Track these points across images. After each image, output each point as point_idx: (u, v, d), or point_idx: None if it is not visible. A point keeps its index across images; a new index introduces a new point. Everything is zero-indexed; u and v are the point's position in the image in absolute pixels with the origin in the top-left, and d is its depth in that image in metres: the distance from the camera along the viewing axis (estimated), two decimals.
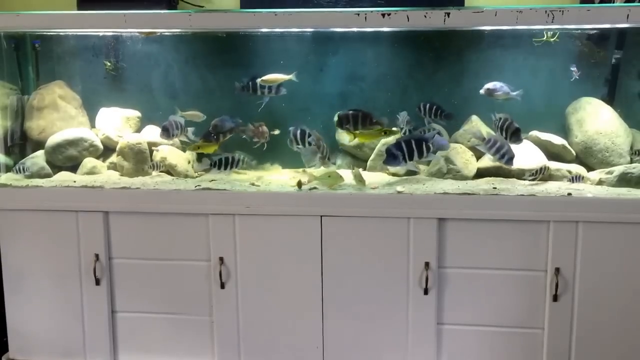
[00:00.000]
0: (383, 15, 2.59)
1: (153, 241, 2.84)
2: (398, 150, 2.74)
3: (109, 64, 3.39)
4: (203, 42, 3.35)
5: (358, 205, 2.72)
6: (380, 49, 3.32)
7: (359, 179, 2.85)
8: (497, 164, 2.91)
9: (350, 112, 2.90)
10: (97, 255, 2.85)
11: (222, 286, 2.81)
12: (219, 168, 2.89)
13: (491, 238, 2.67)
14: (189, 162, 3.20)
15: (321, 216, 2.71)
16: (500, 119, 2.85)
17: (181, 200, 2.80)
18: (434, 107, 2.98)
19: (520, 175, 2.96)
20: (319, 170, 2.93)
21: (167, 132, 3.06)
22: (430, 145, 2.78)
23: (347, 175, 3.01)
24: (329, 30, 3.02)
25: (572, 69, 2.98)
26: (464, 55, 3.24)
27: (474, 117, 3.19)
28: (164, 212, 2.81)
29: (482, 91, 2.93)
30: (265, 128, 3.08)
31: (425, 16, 2.55)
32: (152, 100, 3.40)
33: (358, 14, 2.60)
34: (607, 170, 2.91)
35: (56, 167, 3.14)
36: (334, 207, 2.73)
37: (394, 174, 3.11)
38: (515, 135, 2.83)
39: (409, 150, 2.77)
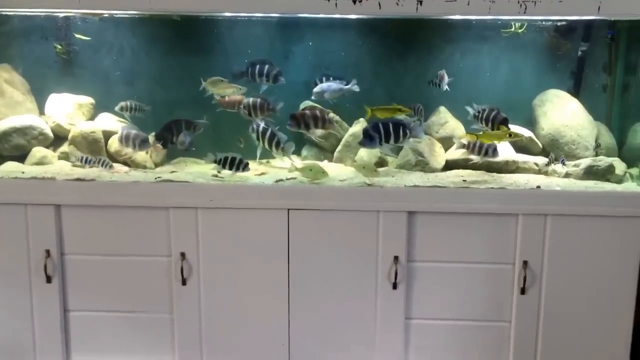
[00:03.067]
0: (354, 1, 2.51)
1: (109, 236, 2.75)
2: (375, 132, 2.72)
3: (59, 47, 3.23)
4: (163, 26, 3.22)
5: (327, 198, 2.68)
6: (349, 37, 3.28)
7: (370, 169, 2.81)
8: (466, 156, 2.96)
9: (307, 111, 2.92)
10: (48, 252, 2.74)
11: (184, 282, 2.74)
12: (224, 166, 2.82)
13: (460, 231, 2.67)
14: (146, 152, 3.07)
15: (288, 209, 2.67)
16: (485, 110, 2.85)
17: (140, 193, 2.72)
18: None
19: (489, 167, 2.96)
20: (302, 163, 2.91)
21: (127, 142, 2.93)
22: (408, 131, 2.77)
23: (337, 169, 2.99)
24: (297, 16, 2.94)
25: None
26: (433, 46, 3.23)
27: (442, 108, 3.18)
28: (122, 205, 2.72)
29: (313, 97, 2.99)
30: (238, 97, 2.99)
31: (397, 4, 2.50)
32: (107, 86, 3.28)
33: (328, 0, 2.50)
34: (573, 162, 2.92)
35: (2, 157, 3.00)
36: (302, 200, 2.68)
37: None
38: (504, 123, 2.82)
39: (386, 133, 2.74)
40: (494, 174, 2.92)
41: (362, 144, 2.80)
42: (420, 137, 2.85)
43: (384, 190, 2.68)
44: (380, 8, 2.56)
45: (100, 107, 3.23)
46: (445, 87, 3.01)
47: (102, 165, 2.87)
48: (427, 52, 3.25)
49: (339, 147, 3.19)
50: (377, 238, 2.69)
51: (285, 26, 3.24)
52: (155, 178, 2.78)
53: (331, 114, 2.99)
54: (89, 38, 3.20)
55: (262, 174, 2.86)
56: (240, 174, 2.82)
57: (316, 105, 2.97)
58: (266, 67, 2.92)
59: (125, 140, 2.93)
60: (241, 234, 2.73)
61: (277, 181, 2.78)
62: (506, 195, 2.65)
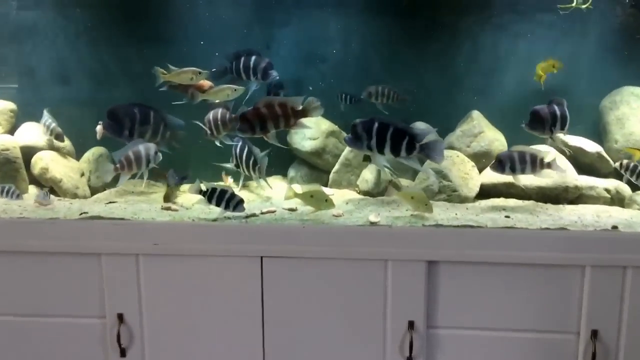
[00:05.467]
0: None
1: (22, 291, 2.45)
2: (364, 131, 2.35)
3: None
4: (103, 8, 2.96)
5: (314, 242, 2.33)
6: (348, 18, 2.97)
7: (422, 202, 2.41)
8: (509, 179, 2.62)
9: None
10: None
11: (123, 353, 2.42)
12: (210, 201, 2.43)
13: (501, 288, 2.33)
14: (82, 175, 2.74)
15: (262, 257, 2.34)
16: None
17: (60, 234, 2.38)
18: (386, 90, 2.77)
19: (541, 195, 2.63)
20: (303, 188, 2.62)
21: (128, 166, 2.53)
22: (417, 144, 2.33)
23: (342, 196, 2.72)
24: None
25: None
26: (457, 25, 2.91)
27: (475, 113, 2.87)
28: (36, 251, 2.39)
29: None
30: (206, 82, 2.71)
31: None
32: (34, 88, 2.98)
33: None
34: None
35: None
36: (280, 244, 2.34)
37: (366, 193, 2.75)
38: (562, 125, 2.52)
39: (380, 138, 2.35)
40: (548, 205, 2.60)
41: (346, 141, 2.46)
42: (436, 160, 2.39)
43: (394, 230, 2.31)
44: None
45: (25, 114, 2.92)
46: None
47: (7, 195, 2.50)
48: (449, 33, 2.92)
49: (336, 166, 2.87)
50: (384, 297, 2.34)
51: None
52: (80, 214, 2.43)
53: (311, 102, 2.52)
54: None
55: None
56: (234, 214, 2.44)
57: (274, 97, 2.59)
58: (252, 59, 2.65)
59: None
60: (197, 290, 2.41)
61: (247, 217, 2.40)
62: (568, 238, 2.26)
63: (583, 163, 2.73)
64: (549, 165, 2.52)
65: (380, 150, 2.40)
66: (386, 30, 2.96)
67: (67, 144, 2.77)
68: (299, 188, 2.63)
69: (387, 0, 2.91)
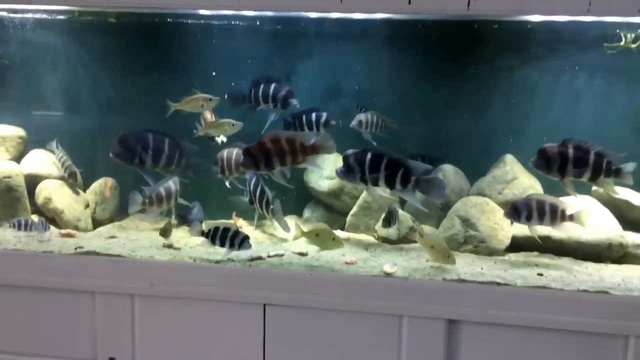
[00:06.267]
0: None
1: (11, 329, 2.35)
2: (356, 163, 2.23)
3: None
4: (120, 32, 2.88)
5: (322, 291, 2.17)
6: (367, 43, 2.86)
7: (443, 253, 2.25)
8: (544, 232, 2.41)
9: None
10: None
11: None
12: (214, 241, 2.29)
13: (529, 356, 2.12)
14: (86, 207, 2.63)
15: (264, 304, 2.20)
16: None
17: (53, 270, 2.28)
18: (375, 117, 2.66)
19: (579, 252, 2.43)
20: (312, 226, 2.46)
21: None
22: (413, 178, 2.20)
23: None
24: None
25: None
26: (481, 63, 2.77)
27: (509, 158, 2.72)
28: (27, 285, 2.28)
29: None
30: (208, 115, 2.62)
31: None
32: (46, 113, 2.94)
33: None
34: None
35: None
36: (283, 291, 2.19)
37: (384, 239, 2.61)
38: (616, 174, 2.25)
39: (373, 169, 2.22)
40: (588, 263, 2.40)
41: (338, 173, 2.35)
42: (438, 198, 2.27)
43: (411, 283, 2.16)
44: (410, 4, 2.12)
45: (33, 141, 2.88)
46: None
47: (26, 229, 2.44)
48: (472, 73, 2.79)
49: (354, 209, 2.75)
50: (398, 357, 2.16)
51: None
52: (75, 248, 2.34)
53: (324, 138, 2.30)
54: None
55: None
56: (236, 253, 2.30)
57: (282, 132, 2.39)
58: (272, 87, 2.50)
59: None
60: (194, 336, 2.28)
61: (251, 260, 2.24)
62: (610, 303, 2.06)
63: (630, 218, 2.54)
64: (571, 218, 2.34)
65: (375, 183, 2.28)
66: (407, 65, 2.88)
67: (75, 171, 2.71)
68: (306, 227, 2.50)
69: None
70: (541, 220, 2.22)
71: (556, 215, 2.21)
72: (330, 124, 2.60)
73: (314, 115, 2.55)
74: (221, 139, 2.59)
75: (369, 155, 2.26)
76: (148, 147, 2.31)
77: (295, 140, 2.17)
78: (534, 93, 2.75)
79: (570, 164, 2.22)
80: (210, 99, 2.49)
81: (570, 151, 2.21)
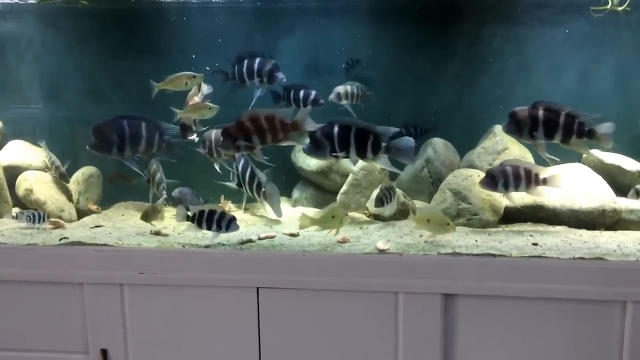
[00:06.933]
0: None
1: (0, 325, 2.33)
2: (325, 137, 2.25)
3: None
4: (94, 15, 2.87)
5: (316, 272, 2.16)
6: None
7: (442, 222, 2.26)
8: (538, 201, 2.41)
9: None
10: None
11: None
12: (200, 225, 2.29)
13: (527, 326, 2.14)
14: (69, 198, 2.61)
15: (258, 287, 2.19)
16: None
17: (38, 262, 2.25)
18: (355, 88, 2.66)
19: (573, 219, 2.43)
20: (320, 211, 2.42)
21: None
22: (383, 145, 2.25)
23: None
24: None
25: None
26: (477, 32, 2.77)
27: (498, 128, 2.74)
28: (13, 279, 2.26)
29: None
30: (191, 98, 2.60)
31: None
32: (21, 102, 2.90)
33: None
34: None
35: None
36: (277, 273, 2.18)
37: (376, 217, 2.62)
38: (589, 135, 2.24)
39: (343, 141, 2.25)
40: (583, 231, 2.40)
41: (306, 151, 2.36)
42: (408, 160, 2.30)
43: (405, 259, 2.14)
44: None
45: (12, 133, 2.84)
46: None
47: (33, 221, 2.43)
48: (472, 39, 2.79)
49: (344, 187, 2.70)
50: (395, 334, 2.16)
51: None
52: (60, 239, 2.29)
53: (303, 115, 2.30)
54: None
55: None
56: (226, 235, 2.28)
57: (260, 110, 2.34)
58: (256, 61, 2.49)
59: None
60: (187, 324, 2.26)
61: (241, 243, 2.23)
62: (606, 269, 2.07)
63: (621, 183, 2.56)
64: (545, 182, 2.36)
65: (344, 152, 2.29)
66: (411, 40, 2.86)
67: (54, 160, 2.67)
68: (310, 212, 2.47)
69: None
70: (517, 186, 2.22)
71: (530, 180, 2.22)
72: (319, 103, 2.60)
73: (302, 92, 2.50)
74: (194, 136, 2.55)
75: (336, 128, 2.27)
76: (124, 134, 2.25)
77: (274, 118, 2.15)
78: (523, 61, 2.76)
79: (540, 126, 2.20)
80: (194, 76, 2.45)
81: (541, 113, 2.19)
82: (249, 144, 2.20)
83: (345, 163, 2.36)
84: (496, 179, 2.26)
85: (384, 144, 2.28)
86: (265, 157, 2.38)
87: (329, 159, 2.35)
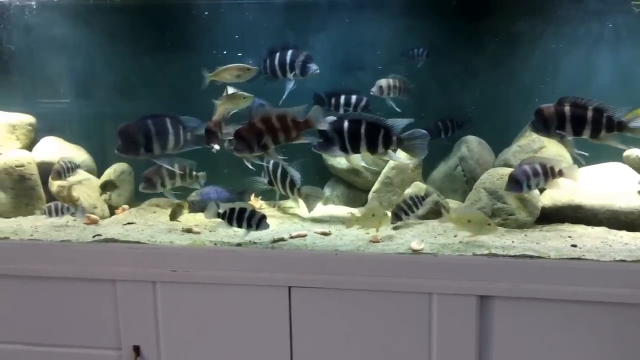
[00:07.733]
0: None
1: (33, 319, 2.34)
2: (336, 133, 2.23)
3: None
4: (127, 12, 2.88)
5: (348, 271, 2.14)
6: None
7: (483, 223, 2.23)
8: (576, 201, 2.39)
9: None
10: None
11: None
12: (231, 222, 2.30)
13: (565, 329, 2.10)
14: (101, 194, 2.62)
15: (289, 287, 2.18)
16: None
17: (73, 258, 2.26)
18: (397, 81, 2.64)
19: (613, 221, 2.38)
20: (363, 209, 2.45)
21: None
22: (394, 138, 2.22)
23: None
24: None
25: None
26: (514, 27, 2.74)
27: None
28: (47, 276, 2.28)
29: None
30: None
31: None
32: (55, 99, 2.92)
33: None
34: None
35: None
36: (308, 273, 2.16)
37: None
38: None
39: (353, 136, 2.23)
40: (623, 232, 2.35)
41: (315, 147, 2.34)
42: (418, 154, 2.28)
43: (440, 260, 2.12)
44: None
45: (44, 129, 2.86)
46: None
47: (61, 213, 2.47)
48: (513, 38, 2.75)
49: (376, 185, 2.72)
50: (429, 335, 2.13)
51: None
52: (93, 236, 2.31)
53: (316, 112, 2.23)
54: None
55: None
56: (257, 233, 2.29)
57: (272, 109, 2.29)
58: (289, 54, 2.46)
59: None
60: (219, 322, 2.26)
61: (274, 242, 2.23)
62: None
63: None
64: (561, 173, 2.32)
65: (354, 148, 2.27)
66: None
67: (86, 157, 2.68)
68: (356, 212, 2.49)
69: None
70: (538, 183, 2.20)
71: (547, 174, 2.20)
72: (369, 109, 2.59)
73: (354, 97, 2.50)
74: (217, 147, 2.47)
75: (346, 124, 2.25)
76: (150, 134, 2.25)
77: (286, 117, 2.13)
78: (561, 56, 2.71)
79: (568, 122, 2.15)
80: (248, 69, 2.42)
81: (567, 109, 2.14)
82: (262, 144, 2.15)
83: (356, 159, 2.34)
84: (520, 181, 2.23)
85: (394, 138, 2.25)
86: (283, 157, 2.35)
87: (339, 155, 2.33)
